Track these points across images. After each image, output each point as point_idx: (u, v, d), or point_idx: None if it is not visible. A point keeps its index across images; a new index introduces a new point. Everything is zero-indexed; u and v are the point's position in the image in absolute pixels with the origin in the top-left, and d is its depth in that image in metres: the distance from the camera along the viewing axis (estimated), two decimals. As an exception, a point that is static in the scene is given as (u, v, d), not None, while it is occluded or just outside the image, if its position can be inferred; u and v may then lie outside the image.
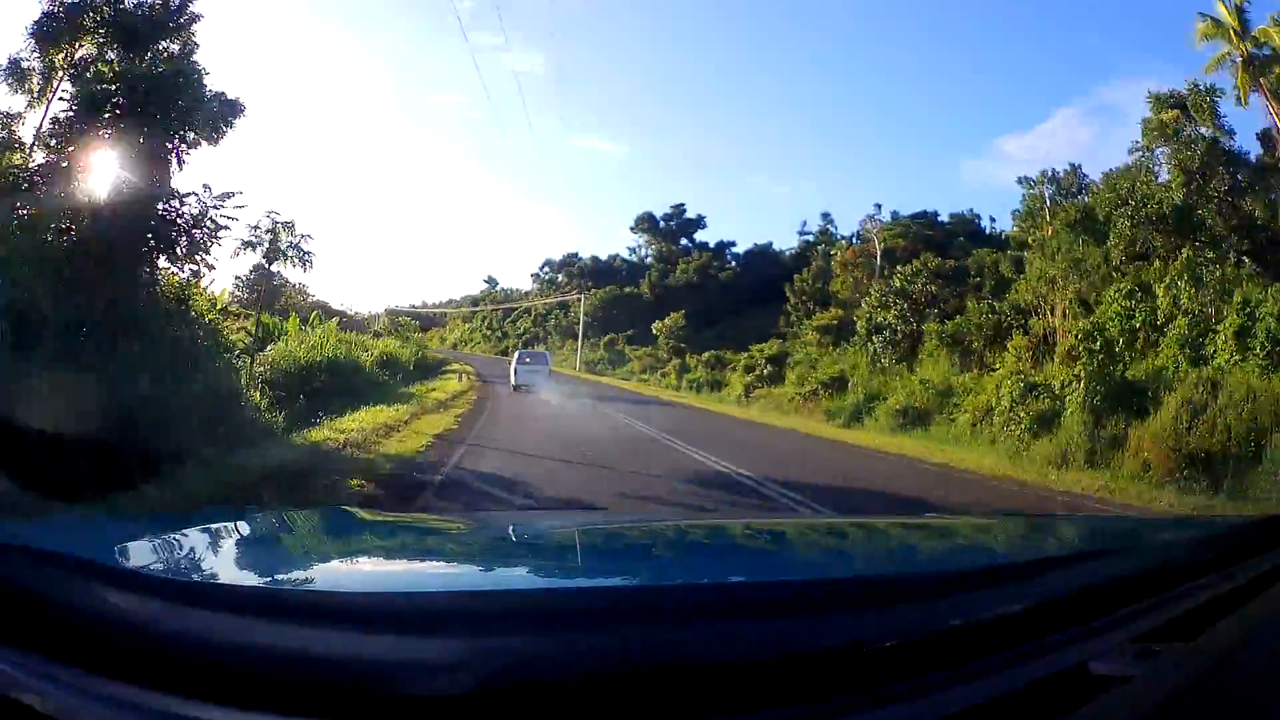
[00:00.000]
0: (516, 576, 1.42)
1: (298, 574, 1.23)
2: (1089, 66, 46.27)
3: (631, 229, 57.18)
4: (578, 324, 49.55)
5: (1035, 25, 46.28)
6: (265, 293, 19.61)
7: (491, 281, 79.57)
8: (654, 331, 41.16)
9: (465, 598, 0.98)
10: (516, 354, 31.23)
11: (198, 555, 1.29)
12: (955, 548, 1.93)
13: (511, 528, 2.09)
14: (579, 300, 50.45)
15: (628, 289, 50.82)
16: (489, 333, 65.49)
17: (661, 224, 54.70)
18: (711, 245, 53.36)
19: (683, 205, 55.47)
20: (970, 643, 0.96)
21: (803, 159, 62.86)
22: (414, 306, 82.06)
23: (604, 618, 0.91)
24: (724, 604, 1.01)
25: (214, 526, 1.55)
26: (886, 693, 0.85)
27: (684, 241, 54.24)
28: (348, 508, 3.48)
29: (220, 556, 1.33)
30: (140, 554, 1.22)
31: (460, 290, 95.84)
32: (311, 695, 0.77)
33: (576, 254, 61.75)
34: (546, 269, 65.94)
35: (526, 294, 67.73)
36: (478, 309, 73.72)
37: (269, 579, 1.12)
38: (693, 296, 44.75)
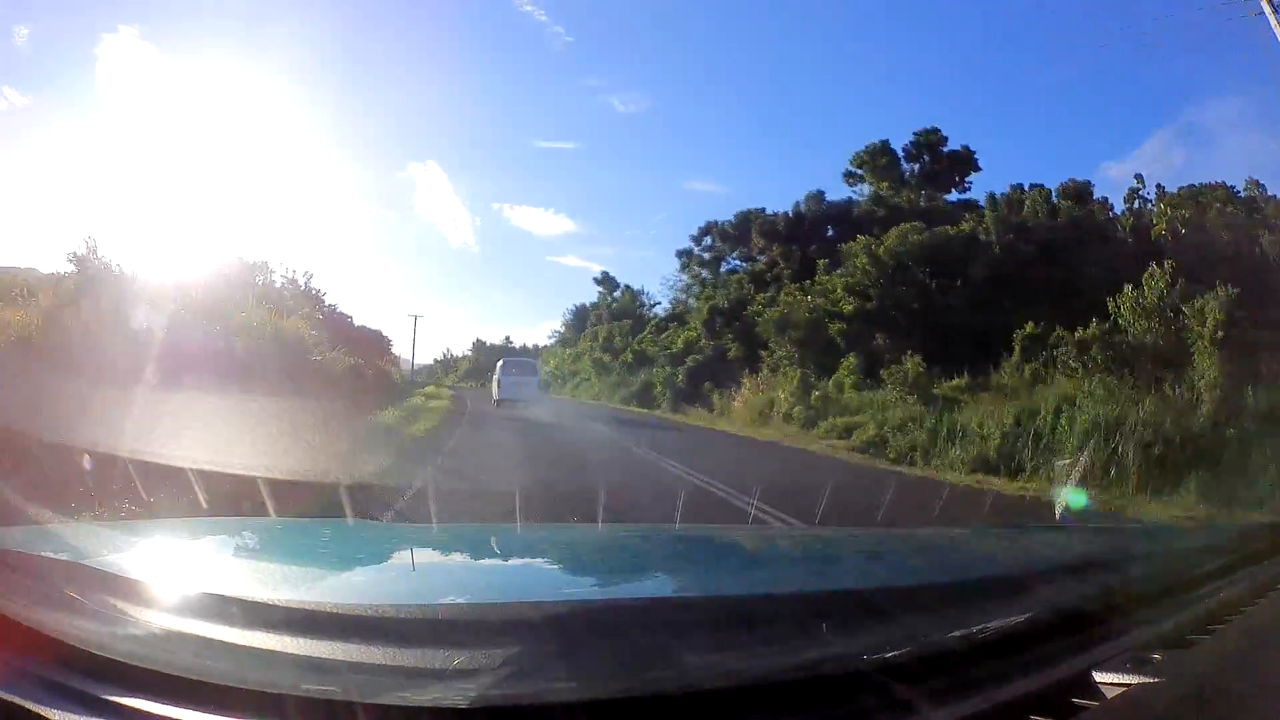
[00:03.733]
0: (518, 587, 1.44)
1: (300, 583, 1.23)
2: (1175, 89, 42.09)
3: (850, 172, 28.79)
4: (832, 326, 21.07)
5: (1122, 53, 45.73)
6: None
7: (609, 283, 49.71)
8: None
9: (468, 609, 0.99)
10: (500, 363, 26.39)
11: (201, 563, 1.30)
12: (957, 558, 1.93)
13: (512, 539, 2.12)
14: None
15: (917, 233, 20.52)
16: (608, 359, 38.82)
17: (905, 161, 27.10)
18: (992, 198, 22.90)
19: (938, 131, 26.29)
20: (973, 652, 0.96)
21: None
22: (508, 340, 69.01)
23: (607, 629, 0.92)
24: (725, 615, 1.02)
25: (217, 535, 1.56)
26: (890, 702, 0.86)
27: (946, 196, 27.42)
28: (349, 518, 3.50)
29: (223, 565, 1.33)
30: (142, 561, 1.22)
31: (570, 301, 71.91)
32: (315, 704, 0.77)
33: (763, 208, 31.65)
34: (707, 242, 36.09)
35: (658, 308, 41.36)
36: (590, 325, 48.08)
37: (272, 588, 1.12)
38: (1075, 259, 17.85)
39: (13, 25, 48.18)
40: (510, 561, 1.73)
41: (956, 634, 0.98)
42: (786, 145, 63.24)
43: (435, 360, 72.82)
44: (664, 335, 34.53)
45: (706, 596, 1.29)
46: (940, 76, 53.80)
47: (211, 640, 0.84)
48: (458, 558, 1.73)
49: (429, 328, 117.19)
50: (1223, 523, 6.36)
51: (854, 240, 21.82)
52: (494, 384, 24.68)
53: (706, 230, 36.48)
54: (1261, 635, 1.18)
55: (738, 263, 33.85)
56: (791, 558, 1.93)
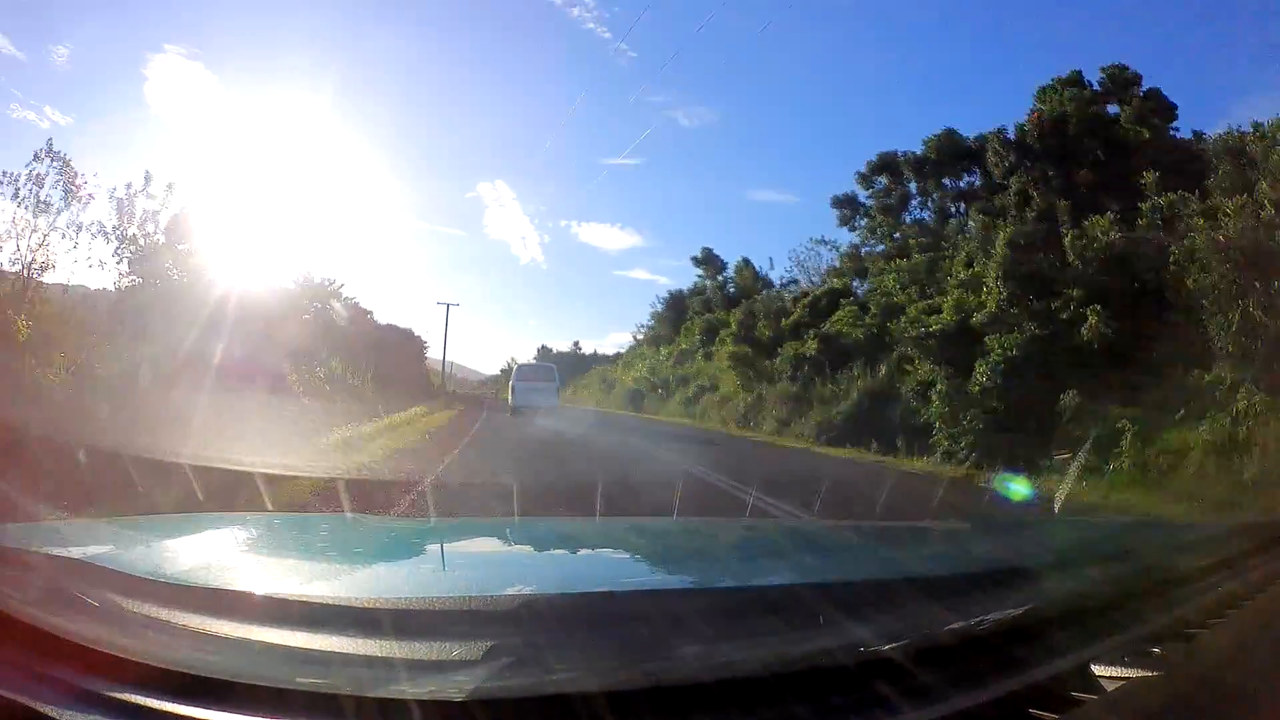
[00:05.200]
0: (515, 580, 1.41)
1: (297, 577, 1.23)
2: (1225, 88, 34.75)
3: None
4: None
5: (1171, 51, 36.29)
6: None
7: (713, 262, 36.73)
8: None
9: (464, 601, 0.97)
10: (515, 369, 24.49)
11: (199, 559, 1.28)
12: (956, 550, 1.91)
13: (508, 532, 2.08)
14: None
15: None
16: (753, 353, 23.71)
17: (1100, 93, 19.01)
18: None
19: (1127, 68, 18.96)
20: (971, 644, 0.95)
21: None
22: (576, 346, 63.21)
23: (604, 621, 0.93)
24: (723, 607, 1.02)
25: (216, 530, 1.54)
26: (889, 693, 0.85)
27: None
28: (347, 513, 3.48)
29: (221, 560, 1.31)
30: (140, 557, 1.22)
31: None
32: (312, 698, 0.76)
33: (962, 134, 22.28)
34: (880, 183, 24.78)
35: (788, 290, 29.14)
36: (693, 315, 35.38)
37: (269, 582, 1.12)
38: None
39: (50, 46, 50.82)
40: (507, 554, 1.72)
41: (955, 626, 0.97)
42: (856, 145, 59.52)
43: (500, 370, 70.96)
44: (867, 314, 19.41)
45: (704, 588, 1.30)
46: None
47: (209, 634, 0.84)
48: (454, 551, 1.71)
49: (496, 340, 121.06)
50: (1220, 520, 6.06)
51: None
52: (509, 391, 22.41)
53: (883, 165, 24.00)
54: (1260, 629, 1.18)
55: (921, 207, 23.28)
56: (789, 550, 1.92)
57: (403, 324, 34.62)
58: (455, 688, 0.74)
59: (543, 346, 66.07)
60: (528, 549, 1.78)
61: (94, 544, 1.25)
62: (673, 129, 67.05)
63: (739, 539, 2.06)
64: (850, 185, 25.89)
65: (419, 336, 34.21)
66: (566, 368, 52.92)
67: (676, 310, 38.26)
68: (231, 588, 0.94)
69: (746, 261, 33.77)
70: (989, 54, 46.81)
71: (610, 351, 55.00)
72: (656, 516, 4.22)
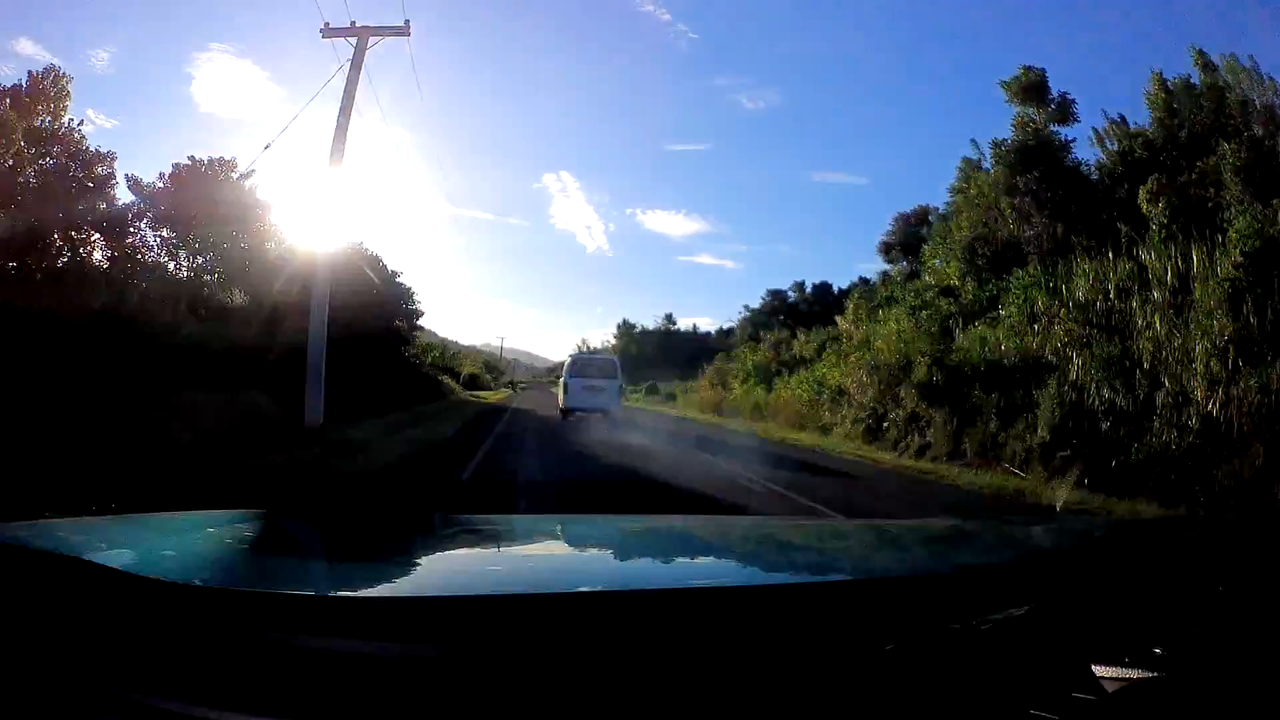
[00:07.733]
0: (518, 580, 1.40)
1: (298, 577, 1.24)
2: None
3: None
4: None
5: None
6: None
7: (1039, 92, 16.04)
8: None
9: (466, 601, 0.98)
10: (568, 361, 20.08)
11: (197, 557, 1.29)
12: (956, 549, 1.91)
13: (514, 531, 2.09)
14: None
15: None
16: None
17: None
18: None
19: None
20: (972, 643, 0.95)
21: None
22: (669, 320, 58.17)
23: (605, 619, 0.92)
24: (724, 606, 1.02)
25: (216, 528, 1.54)
26: (887, 693, 0.86)
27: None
28: (350, 512, 3.57)
29: (220, 559, 1.32)
30: (139, 555, 1.23)
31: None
32: (311, 697, 0.77)
33: None
34: None
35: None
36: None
37: (268, 582, 1.12)
38: None
39: (89, 51, 52.60)
40: (507, 554, 1.71)
41: (955, 625, 0.97)
42: (930, 124, 51.95)
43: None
44: None
45: (706, 587, 1.29)
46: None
47: (208, 633, 0.84)
48: (453, 550, 1.71)
49: (565, 327, 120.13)
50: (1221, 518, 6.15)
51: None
52: (561, 388, 19.53)
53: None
54: (1261, 630, 1.15)
55: None
56: (789, 548, 1.91)
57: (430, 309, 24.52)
58: (456, 686, 0.76)
59: (624, 321, 58.86)
60: (526, 546, 1.78)
61: (93, 541, 1.25)
62: (736, 112, 66.43)
63: (742, 537, 2.05)
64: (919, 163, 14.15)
65: (391, 270, 21.80)
66: (656, 349, 44.85)
67: (1047, 165, 16.29)
68: (230, 586, 0.94)
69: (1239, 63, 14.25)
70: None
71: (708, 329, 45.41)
72: (662, 515, 4.25)
